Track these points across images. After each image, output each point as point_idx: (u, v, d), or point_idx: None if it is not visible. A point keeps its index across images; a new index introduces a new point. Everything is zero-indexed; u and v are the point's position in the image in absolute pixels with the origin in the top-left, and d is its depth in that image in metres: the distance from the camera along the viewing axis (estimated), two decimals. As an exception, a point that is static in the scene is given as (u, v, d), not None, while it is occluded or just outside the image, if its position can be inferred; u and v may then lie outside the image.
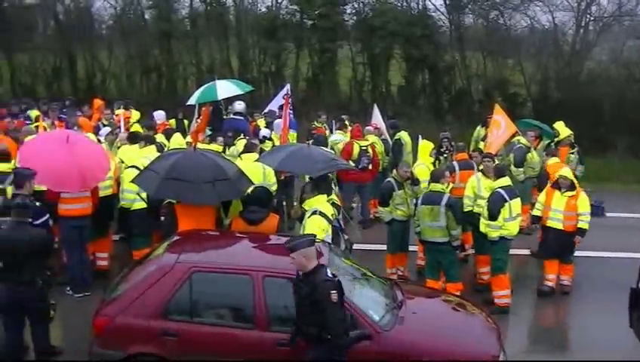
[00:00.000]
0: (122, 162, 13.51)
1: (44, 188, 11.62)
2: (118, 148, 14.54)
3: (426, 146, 14.78)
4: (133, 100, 23.83)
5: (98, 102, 20.74)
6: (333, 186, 12.20)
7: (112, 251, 13.62)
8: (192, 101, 17.95)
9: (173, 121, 19.36)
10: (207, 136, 15.69)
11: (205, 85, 18.79)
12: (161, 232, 11.54)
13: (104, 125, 17.57)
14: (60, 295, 11.01)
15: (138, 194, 12.57)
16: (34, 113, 19.41)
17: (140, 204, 12.67)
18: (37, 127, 16.47)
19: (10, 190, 11.21)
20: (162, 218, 11.28)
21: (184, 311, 8.58)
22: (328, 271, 7.87)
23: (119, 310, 8.59)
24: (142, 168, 12.16)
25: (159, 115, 18.86)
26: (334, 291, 7.64)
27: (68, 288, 12.23)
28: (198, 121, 16.19)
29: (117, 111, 19.71)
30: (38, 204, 10.63)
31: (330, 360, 7.80)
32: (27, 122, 17.59)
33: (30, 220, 9.57)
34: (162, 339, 8.47)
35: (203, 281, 8.60)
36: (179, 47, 33.29)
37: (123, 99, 22.84)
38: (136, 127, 17.57)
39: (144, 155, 13.05)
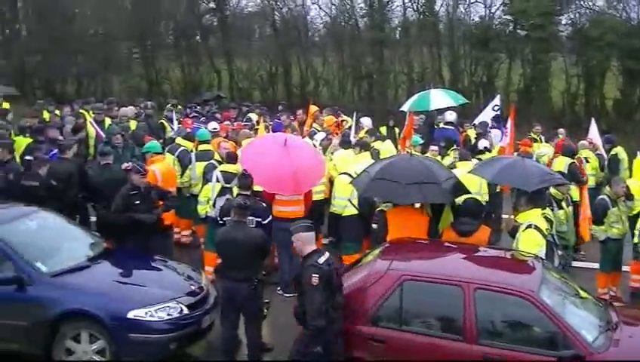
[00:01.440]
0: (335, 166, 13.76)
1: (260, 188, 12.03)
2: (332, 153, 14.81)
3: (642, 163, 14.14)
4: (342, 107, 24.25)
5: (313, 108, 21.21)
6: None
7: (321, 254, 13.82)
8: (404, 108, 18.02)
9: (384, 129, 19.51)
10: (418, 144, 15.69)
11: (419, 93, 18.84)
12: (371, 239, 11.65)
13: (318, 131, 17.94)
14: (271, 294, 11.32)
15: (349, 200, 12.77)
16: (255, 116, 20.12)
17: (351, 211, 12.84)
18: (256, 130, 17.03)
19: (235, 190, 11.72)
20: (374, 226, 11.38)
21: (393, 319, 8.57)
22: (322, 258, 8.30)
23: (329, 313, 8.72)
24: (354, 175, 12.40)
25: (366, 122, 19.05)
26: (316, 275, 8.06)
27: (278, 288, 12.55)
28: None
29: (326, 118, 20.09)
30: (264, 204, 11.07)
31: (308, 344, 8.17)
32: (246, 124, 18.25)
33: (259, 219, 10.00)
34: (370, 345, 8.53)
35: (413, 290, 8.56)
36: (391, 55, 33.51)
37: (332, 106, 23.26)
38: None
39: (358, 161, 13.23)
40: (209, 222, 12.80)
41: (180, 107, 22.63)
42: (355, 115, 18.94)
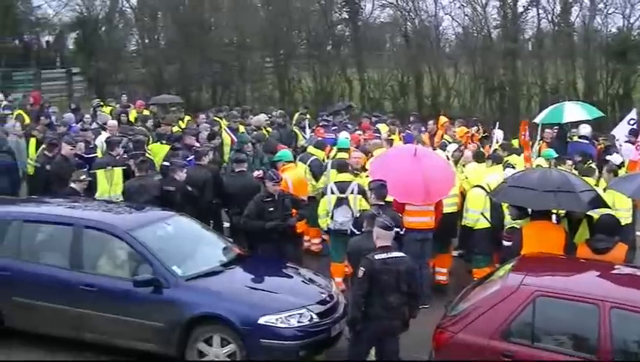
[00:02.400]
0: (467, 179, 13.63)
1: (390, 199, 12.02)
2: (464, 165, 14.67)
3: None
4: (473, 118, 23.97)
5: (443, 119, 21.06)
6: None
7: (451, 267, 13.75)
8: (537, 120, 17.68)
9: (516, 141, 19.17)
10: (551, 157, 15.36)
11: (553, 106, 18.46)
12: (503, 254, 11.48)
13: (449, 142, 17.79)
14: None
15: (482, 214, 12.61)
16: (384, 128, 20.12)
17: (484, 224, 12.65)
18: (390, 140, 16.97)
19: (351, 198, 11.94)
20: (506, 242, 11.21)
21: (524, 335, 8.39)
22: (382, 255, 8.66)
23: (461, 327, 8.62)
24: (487, 188, 12.24)
25: (499, 134, 18.77)
26: (363, 269, 8.51)
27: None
28: (541, 142, 15.87)
29: (457, 129, 19.90)
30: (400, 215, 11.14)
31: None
32: (376, 135, 18.25)
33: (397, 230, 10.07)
34: (499, 360, 8.40)
35: (546, 306, 8.36)
36: (523, 66, 32.96)
37: (464, 117, 23.04)
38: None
39: (490, 174, 13.07)
40: (331, 234, 12.88)
41: (308, 115, 22.86)
42: (495, 125, 18.72)
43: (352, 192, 12.58)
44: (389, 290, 8.65)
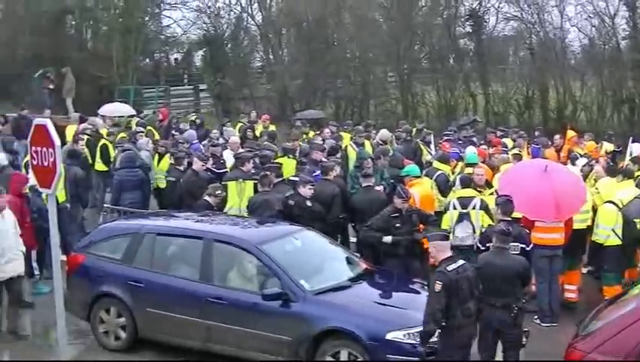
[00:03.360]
0: (599, 193, 13.30)
1: (519, 215, 11.83)
2: (595, 180, 14.31)
3: None
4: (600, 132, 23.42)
5: (570, 133, 20.62)
6: None
7: (580, 284, 13.42)
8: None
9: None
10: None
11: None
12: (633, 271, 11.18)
13: (580, 155, 17.40)
14: (527, 322, 11.08)
15: (613, 230, 12.27)
16: (510, 142, 19.85)
17: (614, 241, 12.32)
18: (517, 155, 16.71)
19: (473, 214, 11.89)
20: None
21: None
22: (453, 265, 8.72)
23: (593, 346, 8.39)
24: (619, 204, 11.92)
25: (635, 148, 18.26)
26: (440, 282, 8.52)
27: (535, 316, 12.27)
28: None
29: (587, 143, 19.46)
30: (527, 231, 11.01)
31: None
32: (504, 150, 18.02)
33: (523, 246, 10.16)
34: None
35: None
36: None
37: (594, 131, 22.54)
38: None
39: (622, 189, 12.72)
40: (455, 250, 12.70)
41: (427, 130, 22.75)
42: (630, 139, 18.22)
43: (473, 208, 12.46)
44: (470, 298, 8.82)
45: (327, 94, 38.02)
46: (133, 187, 15.23)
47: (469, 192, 12.78)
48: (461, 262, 8.96)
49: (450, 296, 8.61)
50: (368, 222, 12.17)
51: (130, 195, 15.01)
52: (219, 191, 13.08)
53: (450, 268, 8.73)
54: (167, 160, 16.64)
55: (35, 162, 9.57)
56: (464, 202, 12.58)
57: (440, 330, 8.69)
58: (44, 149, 9.32)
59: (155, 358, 10.89)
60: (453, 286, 8.63)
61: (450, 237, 12.32)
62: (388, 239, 11.84)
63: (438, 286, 8.57)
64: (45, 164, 9.37)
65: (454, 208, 12.61)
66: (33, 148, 9.55)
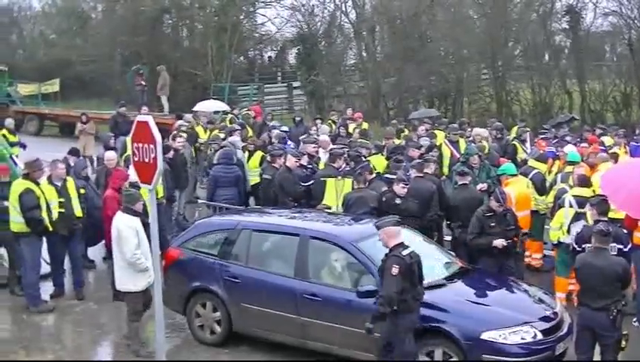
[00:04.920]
0: None
1: (618, 215, 11.59)
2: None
3: None
4: None
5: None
6: None
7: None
8: None
9: None
10: None
11: None
12: None
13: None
14: (627, 325, 10.83)
15: None
16: (609, 140, 19.42)
17: None
18: (614, 153, 16.38)
19: (589, 215, 11.46)
20: None
21: None
22: (405, 251, 9.13)
23: None
24: None
25: None
26: (397, 265, 8.92)
27: (634, 319, 11.97)
28: None
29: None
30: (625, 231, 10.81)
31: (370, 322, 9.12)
32: (602, 148, 17.63)
33: (621, 246, 9.99)
34: None
35: None
36: None
37: None
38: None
39: None
40: (561, 247, 12.56)
41: (527, 128, 22.45)
42: None
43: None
44: (418, 283, 9.32)
45: (421, 92, 37.79)
46: (229, 183, 15.42)
47: (586, 191, 12.56)
48: (410, 249, 9.27)
49: (404, 280, 8.99)
50: (469, 229, 12.15)
51: (225, 192, 15.21)
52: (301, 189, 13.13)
53: (404, 253, 9.13)
54: (257, 157, 16.83)
55: (136, 158, 9.74)
56: (581, 201, 12.36)
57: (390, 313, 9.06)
58: (146, 146, 9.49)
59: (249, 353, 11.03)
60: (408, 270, 9.03)
61: (562, 235, 12.26)
62: (498, 243, 11.75)
63: (395, 270, 8.95)
64: (146, 160, 9.52)
65: (570, 206, 12.43)
66: (135, 144, 9.72)
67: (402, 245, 9.26)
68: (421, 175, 13.60)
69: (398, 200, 12.61)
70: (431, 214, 13.14)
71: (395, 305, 8.97)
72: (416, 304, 9.22)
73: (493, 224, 11.84)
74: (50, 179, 13.10)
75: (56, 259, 13.46)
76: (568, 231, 12.24)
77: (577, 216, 12.28)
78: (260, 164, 16.61)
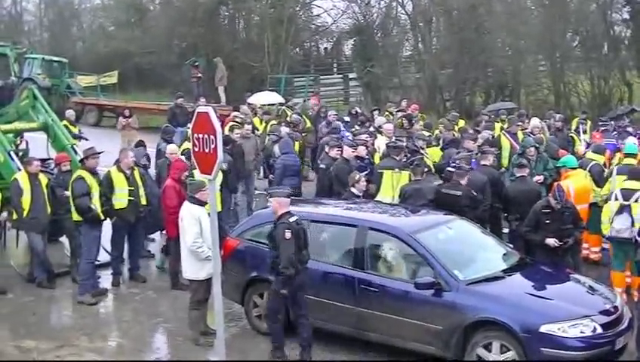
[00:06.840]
0: None
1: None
2: None
3: None
4: None
5: None
6: None
7: None
8: None
9: None
10: None
11: None
12: None
13: None
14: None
15: None
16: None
17: None
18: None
19: (635, 207, 11.59)
20: None
21: None
22: (292, 218, 10.07)
23: None
24: None
25: None
26: (288, 230, 9.86)
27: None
28: None
29: None
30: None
31: (279, 289, 9.99)
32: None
33: None
34: None
35: None
36: None
37: None
38: None
39: None
40: (613, 242, 12.44)
41: (588, 121, 22.19)
42: None
43: (636, 200, 12.07)
44: (304, 247, 10.16)
45: (478, 83, 37.50)
46: (294, 173, 15.66)
47: (633, 184, 12.38)
48: (296, 216, 10.19)
49: (294, 244, 9.87)
50: (525, 222, 12.13)
51: (291, 181, 15.28)
52: (357, 177, 13.12)
53: (292, 220, 10.03)
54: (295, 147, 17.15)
55: (196, 149, 9.84)
56: (627, 194, 12.22)
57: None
58: (206, 136, 9.57)
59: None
60: (295, 234, 9.93)
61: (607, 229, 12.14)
62: (550, 242, 11.69)
63: (288, 234, 9.86)
64: (207, 150, 9.60)
65: (616, 199, 12.29)
66: (195, 135, 9.82)
67: (289, 213, 10.17)
68: (485, 162, 13.66)
69: (473, 193, 12.65)
70: (485, 205, 13.07)
71: (295, 266, 9.87)
72: (302, 267, 10.09)
73: (548, 221, 11.76)
74: (120, 168, 13.44)
75: (118, 247, 13.77)
76: (612, 224, 12.09)
77: (621, 209, 12.11)
78: (299, 153, 17.13)
